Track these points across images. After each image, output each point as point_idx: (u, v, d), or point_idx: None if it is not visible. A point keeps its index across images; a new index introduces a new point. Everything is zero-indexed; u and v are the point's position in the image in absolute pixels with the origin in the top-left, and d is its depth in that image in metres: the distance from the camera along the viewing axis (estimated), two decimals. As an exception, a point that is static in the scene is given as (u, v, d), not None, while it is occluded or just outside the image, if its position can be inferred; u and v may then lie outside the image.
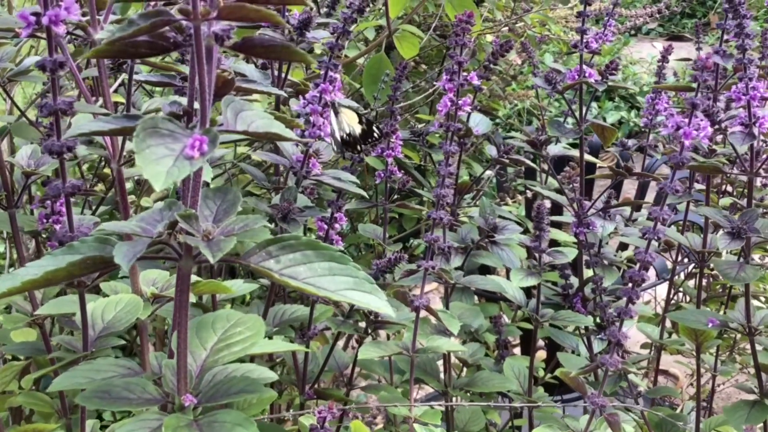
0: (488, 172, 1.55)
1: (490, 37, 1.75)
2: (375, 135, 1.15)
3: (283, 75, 1.13)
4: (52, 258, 0.55)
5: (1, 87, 1.17)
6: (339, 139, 1.10)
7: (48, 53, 0.66)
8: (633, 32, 5.29)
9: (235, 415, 0.59)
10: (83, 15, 0.78)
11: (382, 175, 1.28)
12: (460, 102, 1.17)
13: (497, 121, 2.92)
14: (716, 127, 1.17)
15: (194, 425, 0.60)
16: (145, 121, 0.51)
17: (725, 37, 1.17)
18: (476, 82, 1.22)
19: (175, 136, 0.53)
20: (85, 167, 1.53)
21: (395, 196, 1.35)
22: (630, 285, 0.99)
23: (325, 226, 1.09)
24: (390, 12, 1.46)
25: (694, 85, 1.01)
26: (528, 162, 1.41)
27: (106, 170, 1.42)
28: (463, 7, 1.41)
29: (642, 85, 4.35)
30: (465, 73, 1.18)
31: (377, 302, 0.57)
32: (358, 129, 1.12)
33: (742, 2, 1.10)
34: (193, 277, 0.80)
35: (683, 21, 5.82)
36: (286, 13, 1.12)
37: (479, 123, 1.35)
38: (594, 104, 4.21)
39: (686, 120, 0.96)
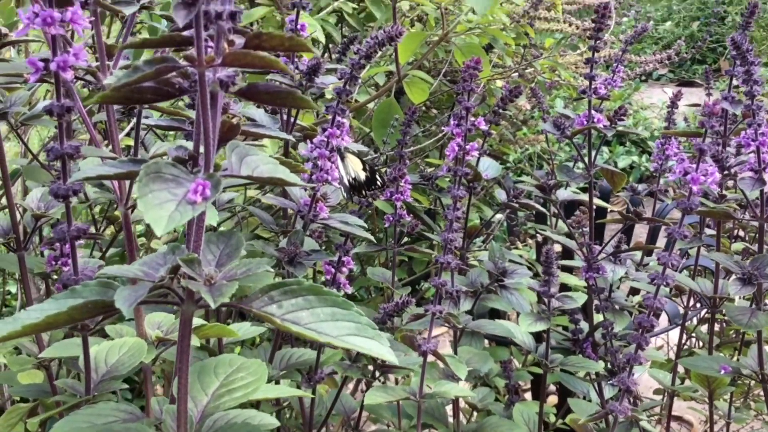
0: (498, 216, 1.55)
1: (500, 83, 1.76)
2: (378, 182, 1.16)
3: (292, 119, 1.14)
4: (53, 302, 0.55)
5: (14, 130, 1.18)
6: (347, 183, 1.11)
7: (56, 98, 0.66)
8: (644, 78, 5.32)
9: (234, 461, 0.58)
10: (95, 60, 0.79)
11: (392, 218, 1.28)
12: (467, 147, 1.17)
13: (507, 165, 2.93)
14: (726, 172, 1.17)
15: (194, 472, 0.59)
16: (149, 166, 0.52)
17: (734, 83, 1.17)
18: (484, 126, 1.22)
19: (178, 180, 0.53)
20: (96, 210, 1.54)
21: (405, 240, 1.35)
22: (639, 331, 0.98)
23: (333, 270, 1.09)
24: (400, 58, 1.47)
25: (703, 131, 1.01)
26: (538, 206, 1.40)
27: (117, 213, 1.43)
28: (471, 54, 1.42)
29: (653, 130, 4.37)
30: (473, 118, 1.18)
31: (380, 348, 0.56)
32: (362, 175, 1.12)
33: (749, 49, 1.10)
34: (199, 320, 0.80)
35: (694, 67, 5.85)
36: (296, 59, 1.13)
37: (489, 167, 1.35)
38: (605, 149, 4.22)
39: (694, 166, 0.95)
